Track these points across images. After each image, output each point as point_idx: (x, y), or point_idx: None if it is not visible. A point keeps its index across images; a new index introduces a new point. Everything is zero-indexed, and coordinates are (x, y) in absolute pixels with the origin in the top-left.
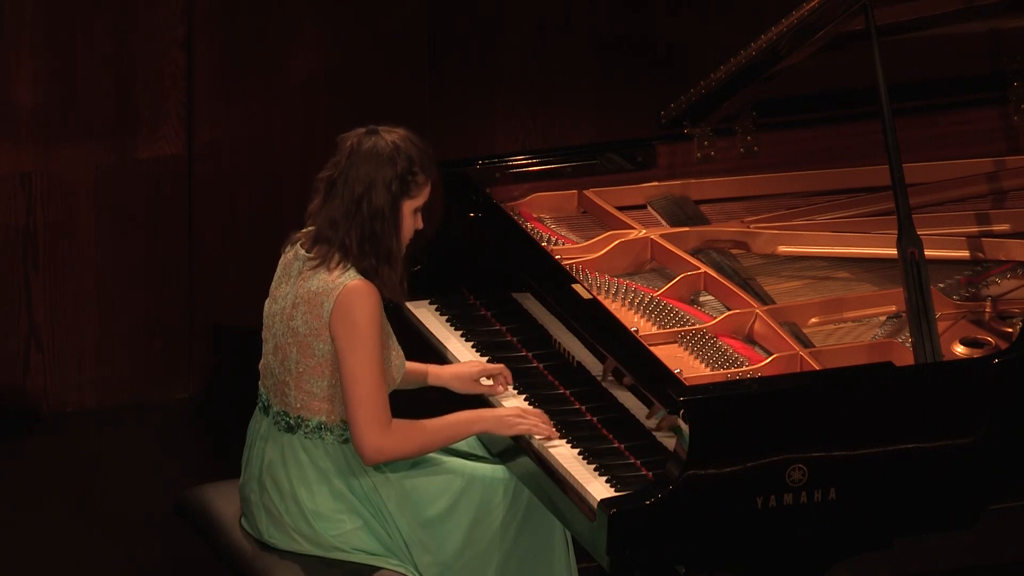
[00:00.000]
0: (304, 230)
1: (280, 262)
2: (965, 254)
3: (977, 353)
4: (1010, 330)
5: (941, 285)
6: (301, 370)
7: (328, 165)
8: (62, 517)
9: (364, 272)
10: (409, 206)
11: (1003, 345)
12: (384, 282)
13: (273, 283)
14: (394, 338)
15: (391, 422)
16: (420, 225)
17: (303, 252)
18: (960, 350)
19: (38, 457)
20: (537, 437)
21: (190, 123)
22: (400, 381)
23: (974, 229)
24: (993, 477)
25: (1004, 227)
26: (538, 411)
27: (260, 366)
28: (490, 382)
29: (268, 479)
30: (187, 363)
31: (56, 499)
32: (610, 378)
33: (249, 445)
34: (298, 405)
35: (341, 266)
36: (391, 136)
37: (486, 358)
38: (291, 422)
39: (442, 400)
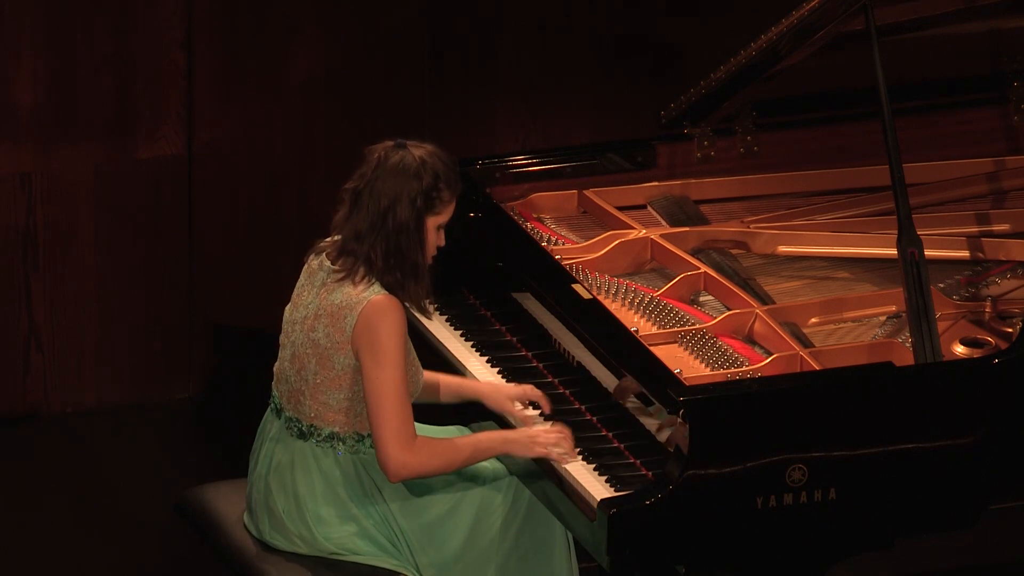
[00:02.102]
0: (329, 239)
1: (304, 270)
2: (965, 254)
3: (977, 353)
4: (1010, 330)
5: (941, 285)
6: (319, 381)
7: (354, 177)
8: (62, 517)
9: (389, 287)
10: (433, 222)
11: (1003, 345)
12: (410, 296)
13: (296, 289)
14: (414, 352)
15: (416, 437)
16: (442, 242)
17: (328, 263)
18: (960, 350)
19: (38, 457)
20: (558, 453)
21: (190, 123)
22: (433, 394)
23: (974, 229)
24: (993, 477)
25: (1004, 227)
26: (561, 428)
27: (275, 369)
28: (531, 412)
29: (275, 480)
30: (187, 363)
31: (56, 499)
32: (632, 401)
33: (259, 442)
34: (312, 415)
35: (366, 280)
36: (418, 151)
37: (486, 358)
38: (303, 429)
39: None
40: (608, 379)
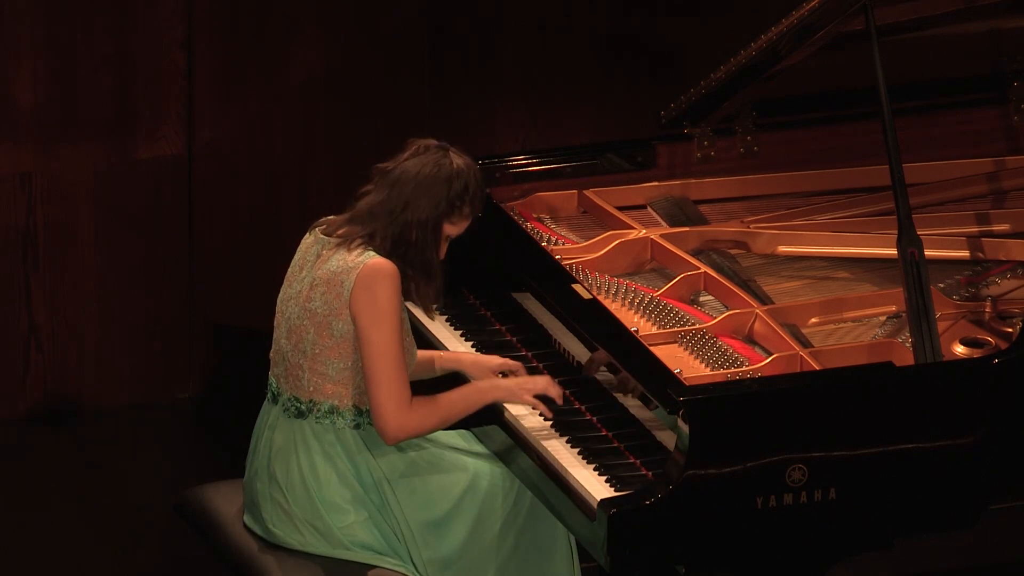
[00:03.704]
0: (327, 217)
1: (299, 247)
2: (965, 254)
3: (977, 353)
4: (1010, 330)
5: (941, 285)
6: (317, 351)
7: (392, 159)
8: (62, 517)
9: None
10: (445, 230)
11: (1003, 345)
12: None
13: (289, 270)
14: (408, 323)
15: (412, 399)
16: (442, 255)
17: (323, 237)
18: (960, 350)
19: (38, 457)
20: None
21: (190, 123)
22: (428, 369)
23: (974, 229)
24: (993, 477)
25: (1004, 227)
26: (547, 377)
27: (271, 354)
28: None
29: (277, 467)
30: (187, 363)
31: (56, 499)
32: (603, 370)
33: (256, 437)
34: (311, 388)
35: (361, 247)
36: (459, 160)
37: None
38: (302, 407)
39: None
40: (608, 379)
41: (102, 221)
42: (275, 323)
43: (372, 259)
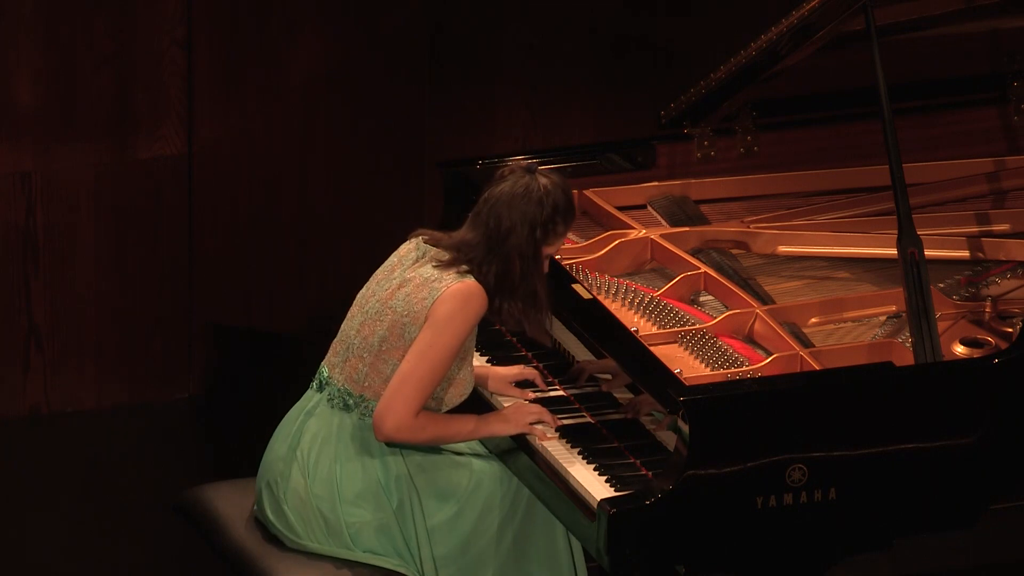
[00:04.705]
0: (424, 228)
1: (397, 251)
2: (965, 254)
3: (977, 353)
4: (1010, 330)
5: (941, 285)
6: (384, 349)
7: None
8: (62, 517)
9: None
10: (545, 251)
11: (1003, 345)
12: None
13: (380, 269)
14: (470, 360)
15: (421, 412)
16: (545, 270)
17: (426, 245)
18: (960, 350)
19: (38, 457)
20: (545, 434)
21: (190, 123)
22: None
23: (974, 229)
24: (993, 477)
25: (1004, 227)
26: (539, 407)
27: (333, 343)
28: (529, 394)
29: (307, 452)
30: (187, 363)
31: (56, 499)
32: (648, 415)
33: (290, 419)
34: (365, 384)
35: (465, 270)
36: (544, 180)
37: (486, 358)
38: (350, 401)
39: None
40: (630, 404)
41: (102, 221)
42: (348, 315)
43: (469, 280)
